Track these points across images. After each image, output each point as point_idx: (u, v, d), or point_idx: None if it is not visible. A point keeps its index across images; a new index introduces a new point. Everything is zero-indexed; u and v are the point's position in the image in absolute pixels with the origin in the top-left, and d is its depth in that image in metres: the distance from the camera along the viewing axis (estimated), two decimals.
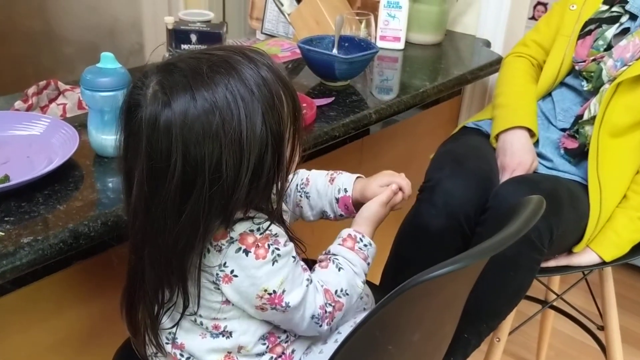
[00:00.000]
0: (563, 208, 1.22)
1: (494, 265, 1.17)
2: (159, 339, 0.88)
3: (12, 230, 0.89)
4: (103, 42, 2.71)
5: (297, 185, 1.06)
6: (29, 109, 1.59)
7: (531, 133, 1.42)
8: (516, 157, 1.37)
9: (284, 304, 0.83)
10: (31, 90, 1.64)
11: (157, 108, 0.75)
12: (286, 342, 0.91)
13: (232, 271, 0.81)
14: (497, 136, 1.45)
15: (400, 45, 1.85)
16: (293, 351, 0.91)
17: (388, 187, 1.00)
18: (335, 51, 1.57)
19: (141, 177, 0.77)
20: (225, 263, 0.81)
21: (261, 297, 0.82)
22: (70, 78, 1.73)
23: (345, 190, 1.03)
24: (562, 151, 1.40)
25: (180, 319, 0.85)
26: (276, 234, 0.83)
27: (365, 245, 0.94)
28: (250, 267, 0.81)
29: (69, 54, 2.67)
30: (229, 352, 0.87)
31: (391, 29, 1.83)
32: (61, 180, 1.02)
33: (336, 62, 1.46)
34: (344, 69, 1.48)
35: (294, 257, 0.85)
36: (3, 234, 0.87)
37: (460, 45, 1.97)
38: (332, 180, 1.04)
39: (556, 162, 1.40)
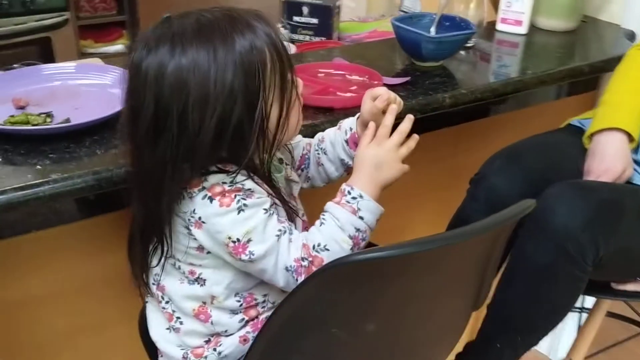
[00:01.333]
0: (622, 223, 1.06)
1: (525, 272, 1.08)
2: (147, 278, 0.95)
3: (48, 165, 1.01)
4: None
5: (314, 145, 1.08)
6: None
7: (631, 138, 1.25)
8: (605, 163, 1.21)
9: (247, 253, 0.84)
10: None
11: (141, 54, 0.82)
12: (263, 307, 0.92)
13: (199, 218, 0.85)
14: (591, 136, 1.29)
15: (523, 29, 1.71)
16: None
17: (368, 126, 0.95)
18: (432, 30, 1.51)
19: (124, 115, 0.86)
20: (194, 210, 0.85)
21: (227, 245, 0.84)
22: None
23: (351, 129, 1.03)
24: None
25: (160, 260, 0.91)
26: (250, 189, 0.85)
27: (353, 198, 0.88)
28: (214, 215, 0.84)
29: None
30: (204, 302, 0.91)
31: (513, 11, 1.70)
32: (113, 129, 1.12)
33: (423, 41, 1.41)
34: (430, 48, 1.42)
35: (265, 209, 0.86)
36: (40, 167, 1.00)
37: (597, 34, 1.77)
38: (340, 127, 1.06)
39: None
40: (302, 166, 1.09)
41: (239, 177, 0.85)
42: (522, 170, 1.18)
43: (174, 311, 0.94)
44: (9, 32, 2.80)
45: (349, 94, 1.29)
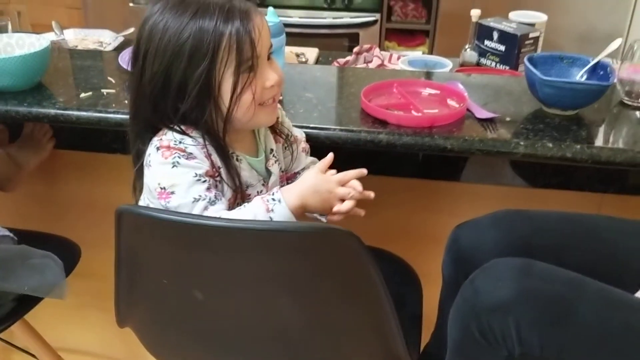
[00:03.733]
0: (568, 326, 0.82)
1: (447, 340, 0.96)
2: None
3: None
4: None
5: None
6: (345, 64, 1.92)
7: None
8: None
9: (165, 201, 0.96)
10: (356, 49, 1.97)
11: (150, 8, 1.00)
12: None
13: (149, 161, 1.00)
14: None
15: None
16: None
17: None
18: (582, 75, 1.33)
19: None
20: (149, 153, 1.00)
21: (156, 190, 0.97)
22: None
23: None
24: None
25: (138, 191, 1.09)
26: (192, 153, 0.97)
27: (273, 199, 0.96)
28: (156, 163, 0.98)
29: None
30: None
31: None
32: None
33: (537, 83, 1.26)
34: (547, 92, 1.26)
35: (197, 174, 0.96)
36: None
37: None
38: None
39: None
40: (290, 181, 1.17)
41: (187, 141, 0.99)
42: (509, 235, 0.99)
43: None
44: (329, 23, 3.27)
45: (418, 114, 1.26)
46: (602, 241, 1.03)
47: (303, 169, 1.19)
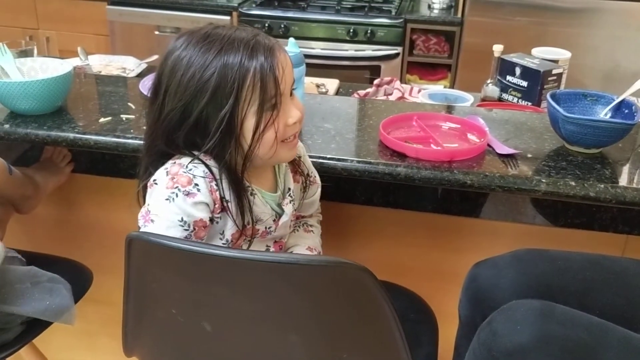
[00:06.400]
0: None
1: None
2: None
3: None
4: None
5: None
6: (365, 95, 1.92)
7: None
8: None
9: (142, 222, 0.95)
10: (377, 81, 1.96)
11: (174, 41, 0.99)
12: None
13: (156, 180, 0.97)
14: None
15: None
16: None
17: None
18: (606, 114, 1.31)
19: None
20: (158, 174, 0.97)
21: (146, 207, 0.96)
22: None
23: None
24: None
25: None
26: (197, 185, 0.94)
27: None
28: (160, 184, 0.96)
29: None
30: None
31: None
32: None
33: (560, 120, 1.24)
34: (570, 130, 1.24)
35: (182, 220, 0.93)
36: None
37: None
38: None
39: None
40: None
41: (198, 171, 0.95)
42: (529, 275, 0.96)
43: None
44: (351, 55, 3.29)
45: (437, 148, 1.24)
46: (629, 286, 0.99)
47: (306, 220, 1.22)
